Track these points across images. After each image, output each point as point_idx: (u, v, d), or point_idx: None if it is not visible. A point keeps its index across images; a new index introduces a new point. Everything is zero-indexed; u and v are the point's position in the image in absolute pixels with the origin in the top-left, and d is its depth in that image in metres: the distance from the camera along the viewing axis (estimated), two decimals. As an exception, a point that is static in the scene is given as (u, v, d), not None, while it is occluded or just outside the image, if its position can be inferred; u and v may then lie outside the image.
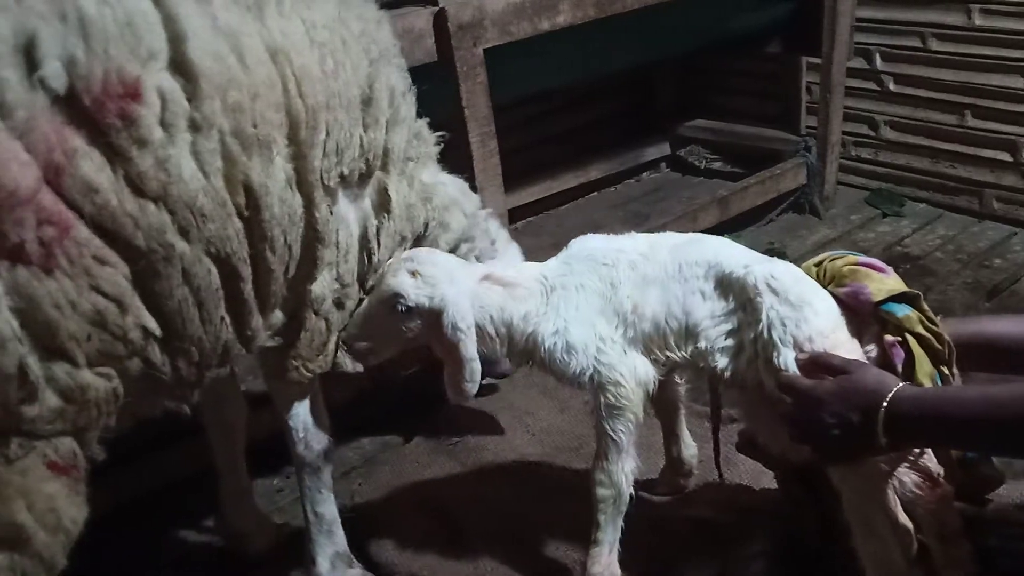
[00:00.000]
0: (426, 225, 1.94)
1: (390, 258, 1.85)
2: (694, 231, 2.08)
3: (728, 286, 1.81)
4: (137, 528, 2.35)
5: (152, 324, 1.42)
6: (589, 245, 1.91)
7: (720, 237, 1.94)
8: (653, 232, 1.98)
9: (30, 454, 1.35)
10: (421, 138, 1.90)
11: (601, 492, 1.91)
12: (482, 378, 1.83)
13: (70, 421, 1.37)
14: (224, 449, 2.17)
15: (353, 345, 1.84)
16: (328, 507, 2.00)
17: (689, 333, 1.83)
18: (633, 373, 1.84)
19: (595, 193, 4.21)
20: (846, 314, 1.77)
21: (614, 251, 1.87)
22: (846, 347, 1.74)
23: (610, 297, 1.84)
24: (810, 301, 1.75)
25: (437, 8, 2.49)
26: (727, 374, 1.81)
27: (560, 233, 3.40)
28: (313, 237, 1.62)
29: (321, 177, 1.59)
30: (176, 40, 1.36)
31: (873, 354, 1.75)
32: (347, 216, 1.72)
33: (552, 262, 1.92)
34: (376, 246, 1.79)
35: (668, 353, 1.85)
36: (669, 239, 1.92)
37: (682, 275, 1.83)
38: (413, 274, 1.79)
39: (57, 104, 1.27)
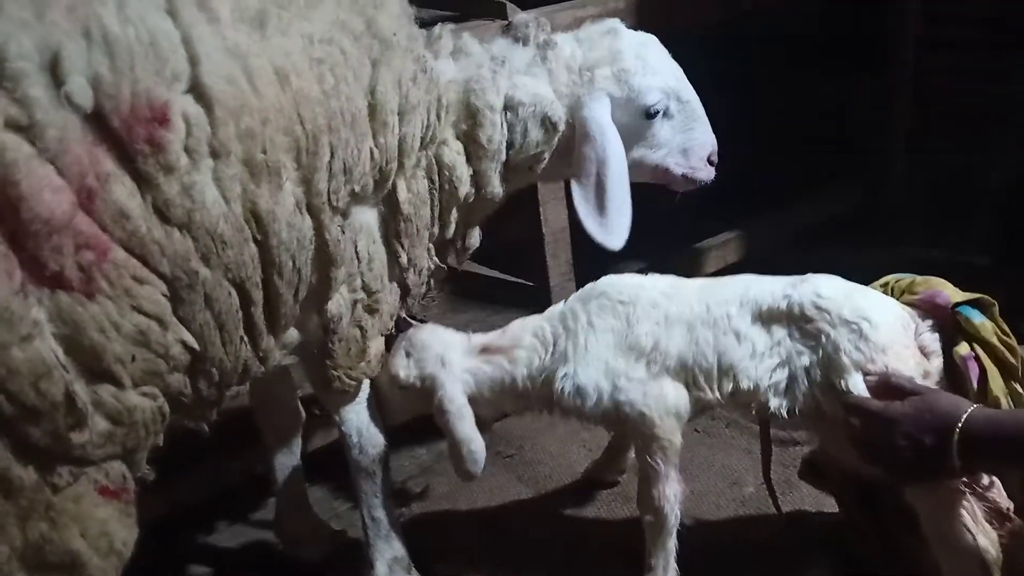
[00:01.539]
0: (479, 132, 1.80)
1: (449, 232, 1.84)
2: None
3: (769, 319, 1.79)
4: (194, 534, 2.38)
5: (190, 338, 1.41)
6: (605, 284, 1.93)
7: (747, 274, 1.93)
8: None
9: (81, 481, 1.35)
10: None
11: (645, 518, 1.91)
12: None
13: (119, 444, 1.37)
14: (281, 455, 2.18)
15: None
16: (386, 512, 1.99)
17: (724, 375, 1.82)
18: (661, 402, 1.84)
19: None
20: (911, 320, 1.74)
21: (633, 288, 1.89)
22: (910, 358, 1.70)
23: (626, 334, 1.86)
24: (866, 314, 1.72)
25: (507, 22, 2.49)
26: (782, 410, 1.78)
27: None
28: (324, 259, 1.59)
29: (329, 199, 1.55)
30: (193, 62, 1.34)
31: (939, 363, 1.72)
32: (367, 222, 1.68)
33: (557, 308, 1.96)
34: (400, 248, 1.74)
35: (699, 394, 1.85)
36: (694, 281, 1.95)
37: (711, 317, 1.83)
38: (407, 354, 1.90)
39: (87, 123, 1.25)
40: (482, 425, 1.92)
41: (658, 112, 1.96)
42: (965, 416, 1.51)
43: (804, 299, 1.75)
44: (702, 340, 1.82)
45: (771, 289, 1.82)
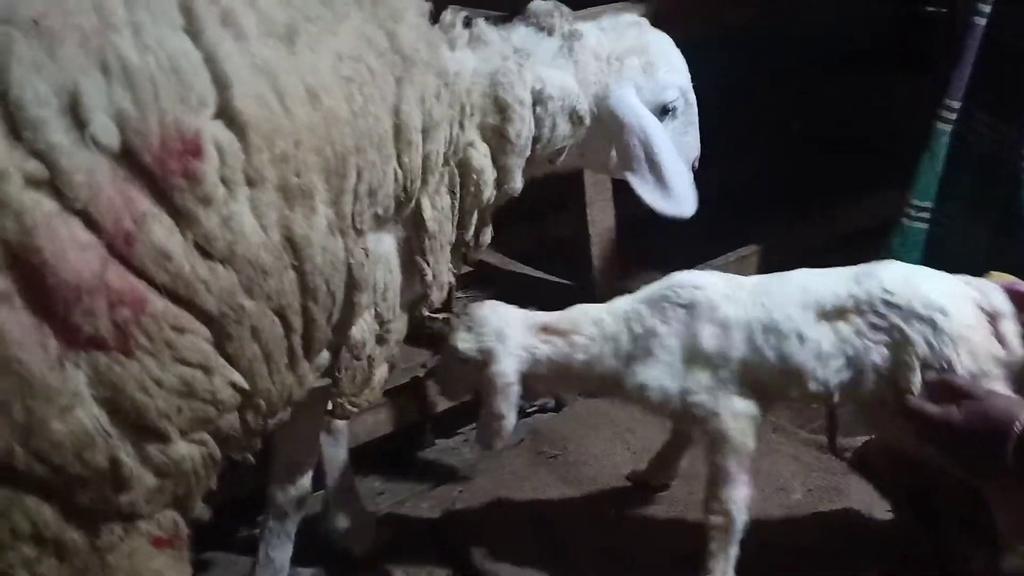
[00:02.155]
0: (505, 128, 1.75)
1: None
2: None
3: (835, 318, 1.77)
4: (238, 527, 2.40)
5: (239, 379, 1.37)
6: (668, 284, 1.91)
7: (803, 269, 1.90)
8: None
9: (133, 535, 1.33)
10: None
11: (712, 520, 1.89)
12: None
13: (169, 494, 1.35)
14: (329, 447, 2.18)
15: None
16: (282, 554, 1.99)
17: (791, 378, 1.81)
18: (730, 404, 1.83)
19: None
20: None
21: (694, 290, 1.87)
22: (983, 346, 1.69)
23: (688, 338, 1.84)
24: (938, 305, 1.69)
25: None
26: (847, 402, 1.77)
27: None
28: (349, 283, 1.53)
29: (353, 222, 1.49)
30: (221, 85, 1.27)
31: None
32: (386, 253, 1.64)
33: (621, 303, 1.94)
34: (425, 266, 1.70)
35: (766, 397, 1.85)
36: (751, 279, 1.92)
37: (772, 320, 1.81)
38: (468, 328, 1.93)
39: (117, 163, 1.19)
40: (533, 396, 1.91)
41: (672, 110, 1.95)
42: (1019, 422, 1.52)
43: (872, 295, 1.73)
44: (763, 345, 1.81)
45: (833, 286, 1.80)
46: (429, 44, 1.60)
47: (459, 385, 2.03)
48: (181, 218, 1.24)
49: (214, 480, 1.42)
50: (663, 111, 1.95)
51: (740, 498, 1.86)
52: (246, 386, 1.37)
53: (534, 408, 2.70)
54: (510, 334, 1.91)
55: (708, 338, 1.82)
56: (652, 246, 2.62)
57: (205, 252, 1.27)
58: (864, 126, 3.92)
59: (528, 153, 1.80)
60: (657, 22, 2.48)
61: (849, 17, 3.62)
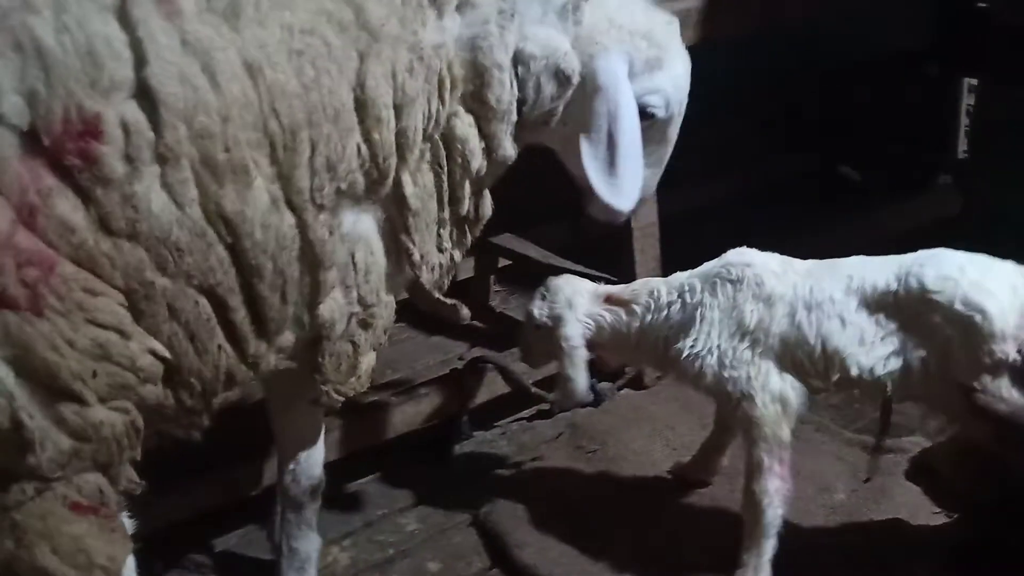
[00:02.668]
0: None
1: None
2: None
3: (878, 307, 1.75)
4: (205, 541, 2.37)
5: (159, 347, 1.36)
6: (724, 260, 1.95)
7: (858, 256, 1.88)
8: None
9: (48, 497, 1.32)
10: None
11: (745, 512, 1.89)
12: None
13: (88, 459, 1.34)
14: None
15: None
16: (305, 544, 1.96)
17: (830, 360, 1.80)
18: (766, 387, 1.84)
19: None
20: None
21: (744, 266, 1.90)
22: None
23: (731, 312, 1.87)
24: (980, 305, 1.66)
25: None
26: (905, 396, 1.75)
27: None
28: (311, 260, 1.50)
29: (312, 197, 1.46)
30: (139, 65, 1.28)
31: None
32: (364, 233, 1.59)
33: (681, 276, 2.00)
34: (411, 245, 1.66)
35: (806, 378, 1.85)
36: (805, 262, 1.92)
37: (814, 299, 1.81)
38: (543, 297, 2.08)
39: (24, 140, 1.21)
40: (605, 367, 2.11)
41: (651, 116, 1.86)
42: None
43: (912, 290, 1.70)
44: (804, 322, 1.82)
45: (881, 274, 1.78)
46: (402, 19, 1.56)
47: (535, 351, 2.17)
48: (83, 196, 1.26)
49: (138, 451, 1.41)
50: (642, 112, 1.85)
51: (772, 490, 1.86)
52: (167, 354, 1.37)
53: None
54: (579, 303, 2.04)
55: (751, 313, 1.86)
56: (694, 242, 2.60)
57: (107, 229, 1.28)
58: (911, 125, 3.87)
59: (515, 117, 1.73)
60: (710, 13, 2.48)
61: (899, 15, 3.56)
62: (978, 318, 1.65)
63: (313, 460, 1.90)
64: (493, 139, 1.71)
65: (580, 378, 2.01)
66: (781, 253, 1.99)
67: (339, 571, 2.23)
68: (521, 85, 1.72)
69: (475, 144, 1.68)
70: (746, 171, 4.13)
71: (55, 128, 1.22)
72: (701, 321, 1.90)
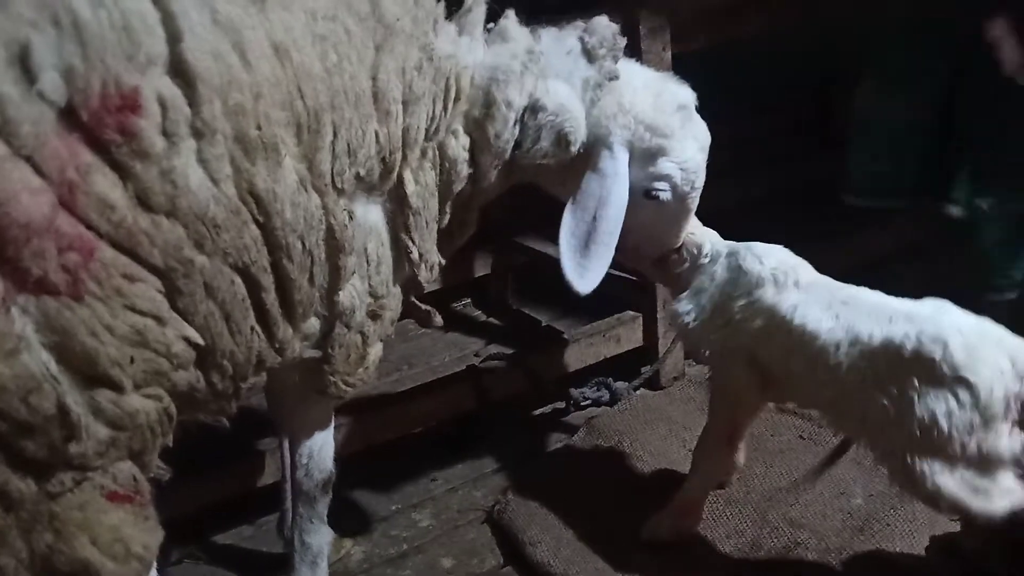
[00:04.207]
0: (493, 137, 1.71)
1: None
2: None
3: (856, 354, 1.76)
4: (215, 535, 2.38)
5: (193, 334, 1.35)
6: (750, 244, 1.97)
7: (862, 289, 1.88)
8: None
9: (85, 488, 1.31)
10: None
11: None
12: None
13: (124, 448, 1.33)
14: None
15: None
16: (317, 538, 1.95)
17: (789, 383, 1.92)
18: (728, 372, 1.97)
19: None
20: None
21: (753, 258, 1.93)
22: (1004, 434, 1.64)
23: (728, 298, 1.93)
24: (952, 388, 1.64)
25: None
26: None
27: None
28: (332, 245, 1.51)
29: (333, 181, 1.47)
30: (173, 40, 1.27)
31: None
32: (375, 224, 1.60)
33: (717, 243, 2.02)
34: (411, 243, 1.66)
35: (777, 385, 1.95)
36: (809, 277, 1.92)
37: (790, 321, 1.84)
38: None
39: (62, 115, 1.20)
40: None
41: (654, 197, 1.88)
42: None
43: (894, 353, 1.71)
44: (776, 343, 1.87)
45: (868, 325, 1.76)
46: (414, 19, 1.58)
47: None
48: (121, 171, 1.25)
49: (170, 438, 1.40)
50: (647, 194, 1.88)
51: (711, 447, 2.07)
52: (200, 341, 1.36)
53: (588, 401, 2.68)
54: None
55: (738, 308, 1.91)
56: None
57: (146, 205, 1.27)
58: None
59: (506, 156, 1.75)
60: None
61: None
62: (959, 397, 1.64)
63: (324, 454, 1.89)
64: (480, 169, 1.73)
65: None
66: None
67: (352, 566, 2.23)
68: (523, 129, 1.74)
69: (462, 168, 1.70)
70: (777, 170, 4.06)
71: (93, 103, 1.21)
72: (705, 291, 1.96)
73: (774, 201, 3.65)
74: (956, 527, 2.00)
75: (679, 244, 2.01)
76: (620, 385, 2.64)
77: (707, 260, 1.98)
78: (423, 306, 1.87)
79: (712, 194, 2.00)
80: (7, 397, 1.20)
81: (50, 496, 1.28)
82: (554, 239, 1.83)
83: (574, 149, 1.78)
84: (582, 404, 2.65)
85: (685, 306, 1.99)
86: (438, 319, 1.92)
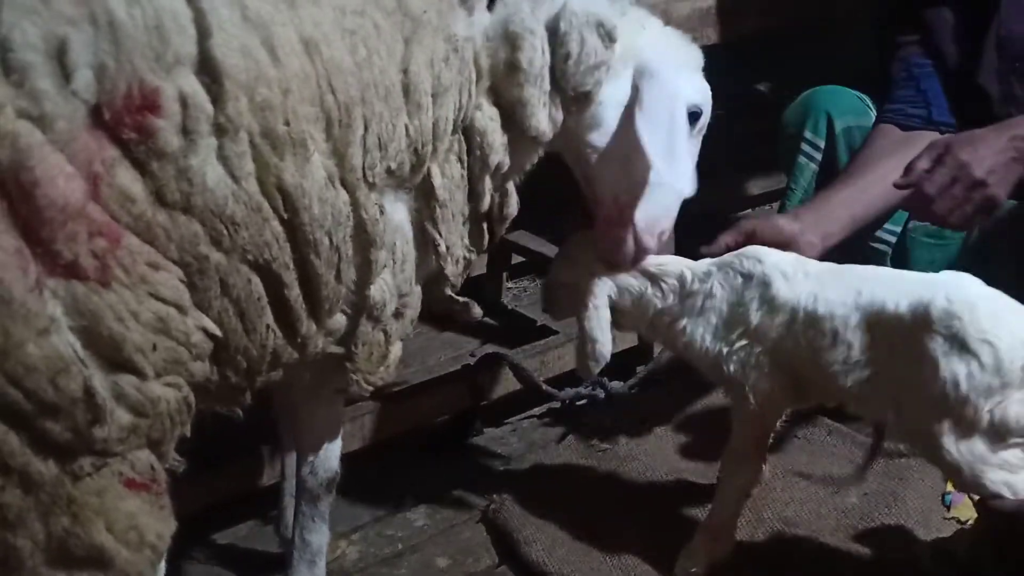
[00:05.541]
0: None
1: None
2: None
3: (877, 327, 1.73)
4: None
5: (211, 325, 1.36)
6: (741, 253, 1.92)
7: (872, 268, 1.88)
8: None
9: (104, 473, 1.31)
10: None
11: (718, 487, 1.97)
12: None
13: (143, 435, 1.34)
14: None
15: None
16: (318, 537, 1.94)
17: (819, 373, 1.81)
18: (758, 380, 1.87)
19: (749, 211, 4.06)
20: None
21: (753, 262, 1.88)
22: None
23: (737, 307, 1.88)
24: (976, 349, 1.61)
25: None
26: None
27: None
28: (363, 239, 1.51)
29: (364, 175, 1.48)
30: (203, 38, 1.29)
31: None
32: (401, 221, 1.61)
33: (705, 263, 1.97)
34: (438, 236, 1.66)
35: (803, 384, 1.87)
36: (817, 266, 1.89)
37: (814, 309, 1.79)
38: (570, 252, 2.05)
39: (91, 112, 1.23)
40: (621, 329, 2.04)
41: (698, 115, 1.85)
42: None
43: (919, 320, 1.67)
44: (799, 332, 1.81)
45: (893, 295, 1.73)
46: (439, 10, 1.59)
47: (560, 306, 2.10)
48: (140, 168, 1.27)
49: (188, 428, 1.41)
50: (691, 114, 1.83)
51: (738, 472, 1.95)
52: (218, 332, 1.37)
53: (583, 401, 2.68)
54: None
55: (753, 312, 1.86)
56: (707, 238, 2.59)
57: (163, 201, 1.29)
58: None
59: (547, 86, 1.70)
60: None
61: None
62: (983, 357, 1.61)
63: (331, 452, 1.89)
64: (526, 106, 1.69)
65: (605, 339, 1.96)
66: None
67: (347, 565, 2.22)
68: (564, 38, 1.68)
69: (495, 138, 1.68)
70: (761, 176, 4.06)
71: (116, 103, 1.24)
72: (710, 310, 1.91)
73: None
74: (950, 527, 2.01)
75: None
76: (615, 385, 2.64)
77: (698, 284, 1.93)
78: (460, 299, 1.87)
79: (713, 194, 2.00)
80: (36, 377, 1.21)
81: (71, 479, 1.29)
82: (551, 238, 1.83)
83: (616, 36, 1.72)
84: (577, 404, 2.65)
85: (695, 332, 1.93)
86: (477, 310, 1.93)
